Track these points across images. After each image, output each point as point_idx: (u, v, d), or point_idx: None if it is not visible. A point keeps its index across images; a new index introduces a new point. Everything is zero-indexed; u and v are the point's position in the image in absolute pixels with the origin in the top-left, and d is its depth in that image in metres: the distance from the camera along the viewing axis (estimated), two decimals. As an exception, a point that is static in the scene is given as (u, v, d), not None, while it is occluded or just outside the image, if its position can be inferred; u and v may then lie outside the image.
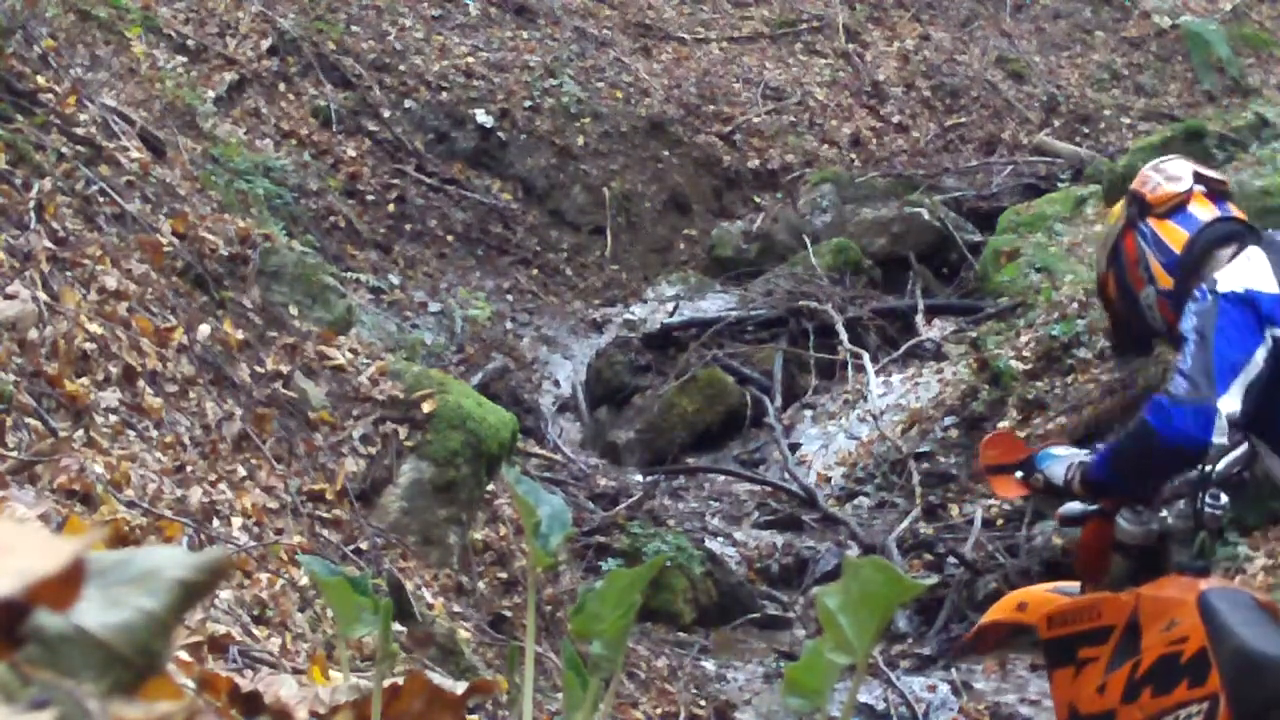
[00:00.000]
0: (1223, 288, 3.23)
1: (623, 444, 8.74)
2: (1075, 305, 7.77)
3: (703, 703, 5.86)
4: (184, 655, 1.88)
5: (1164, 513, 3.44)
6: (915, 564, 7.12)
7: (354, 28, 11.05)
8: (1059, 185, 11.08)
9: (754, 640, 6.75)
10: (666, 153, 11.43)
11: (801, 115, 12.26)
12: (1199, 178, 3.45)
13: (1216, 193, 3.48)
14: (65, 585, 0.68)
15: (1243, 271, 3.26)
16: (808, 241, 10.31)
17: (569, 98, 11.28)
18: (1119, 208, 3.56)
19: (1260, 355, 3.14)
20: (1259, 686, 3.03)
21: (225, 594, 3.31)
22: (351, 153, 10.15)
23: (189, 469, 3.95)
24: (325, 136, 10.08)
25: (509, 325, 9.81)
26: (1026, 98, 12.98)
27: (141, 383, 4.12)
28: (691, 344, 9.28)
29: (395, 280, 9.43)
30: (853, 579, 1.02)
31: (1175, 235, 3.40)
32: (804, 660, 1.06)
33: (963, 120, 12.59)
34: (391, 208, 10.09)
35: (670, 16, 12.88)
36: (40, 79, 5.13)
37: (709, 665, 6.41)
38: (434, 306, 9.42)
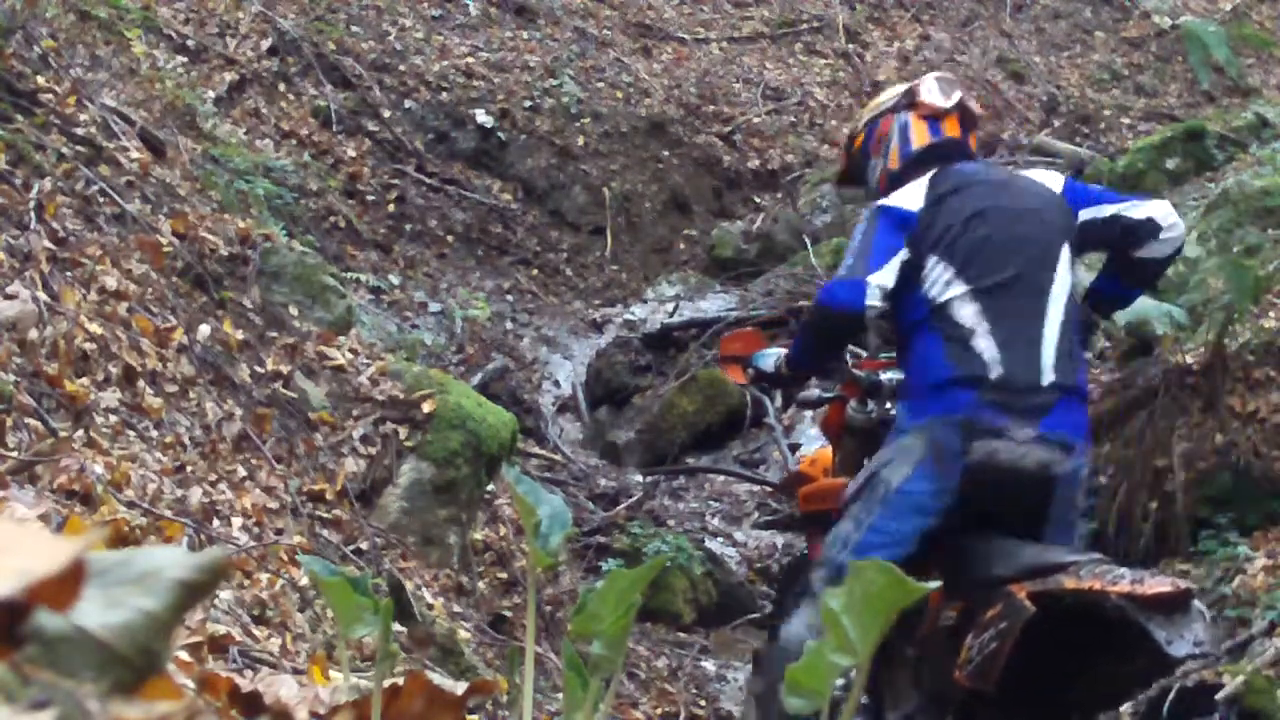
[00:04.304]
0: (882, 202, 3.98)
1: (623, 444, 8.73)
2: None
3: (702, 703, 5.86)
4: (184, 655, 1.88)
5: (887, 405, 4.21)
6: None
7: (354, 28, 11.05)
8: (1059, 185, 11.06)
9: (754, 640, 6.74)
10: (666, 153, 11.43)
11: (801, 115, 12.26)
12: (961, 105, 4.17)
13: (968, 120, 4.19)
14: (65, 585, 0.68)
15: (905, 194, 3.96)
16: (808, 241, 10.31)
17: (569, 98, 11.28)
18: (893, 92, 4.31)
19: (900, 259, 3.86)
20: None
21: (225, 594, 3.30)
22: (351, 153, 10.14)
23: (189, 469, 3.95)
24: (325, 136, 10.08)
25: (509, 325, 9.81)
26: (1026, 98, 12.98)
27: (141, 383, 4.12)
28: (691, 344, 9.28)
29: (395, 280, 9.43)
30: (855, 581, 1.02)
31: (920, 135, 4.14)
32: (805, 661, 1.06)
33: (963, 120, 12.59)
34: (391, 208, 10.09)
35: (670, 16, 12.88)
36: (40, 79, 5.13)
37: (709, 665, 6.41)
38: (434, 306, 9.42)
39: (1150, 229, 3.97)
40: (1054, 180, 4.13)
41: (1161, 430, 6.26)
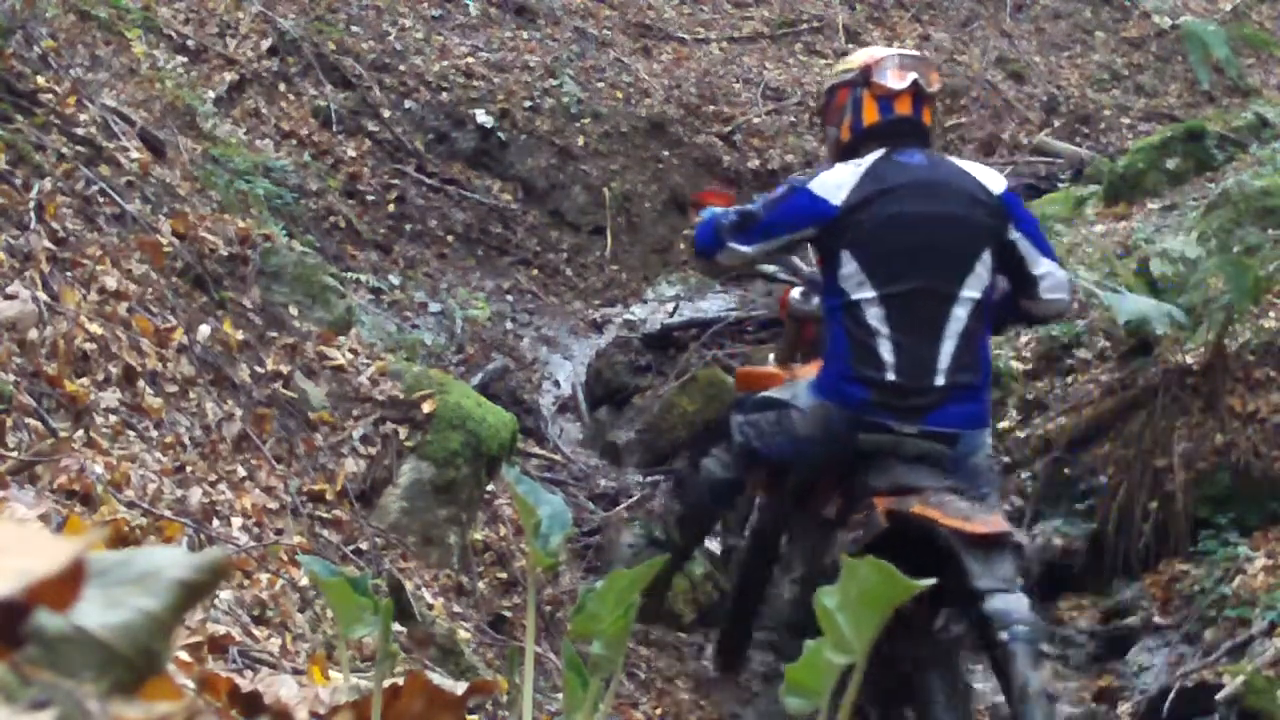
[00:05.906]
0: (810, 186, 4.27)
1: (623, 444, 8.73)
2: (1075, 305, 7.76)
3: (703, 703, 5.85)
4: (184, 655, 1.88)
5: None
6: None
7: (354, 28, 11.05)
8: (1059, 185, 11.07)
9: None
10: (666, 153, 11.42)
11: (801, 115, 12.26)
12: (916, 86, 4.36)
13: (921, 98, 4.38)
14: (65, 585, 0.68)
15: (835, 179, 4.25)
16: (808, 241, 10.31)
17: (569, 98, 11.28)
18: (855, 61, 4.51)
19: (792, 238, 4.32)
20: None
21: (225, 594, 3.30)
22: (351, 153, 10.14)
23: (189, 469, 3.94)
24: (325, 136, 10.07)
25: (509, 325, 9.80)
26: (1026, 98, 12.98)
27: (141, 383, 4.12)
28: (691, 344, 9.28)
29: (395, 280, 9.42)
30: (850, 578, 1.02)
31: (870, 113, 4.38)
32: (804, 660, 1.06)
33: (963, 120, 12.59)
34: (391, 208, 10.08)
35: (670, 16, 12.88)
36: (40, 79, 5.12)
37: (709, 665, 6.40)
38: (434, 306, 9.41)
39: (1034, 290, 4.38)
40: (995, 182, 4.40)
41: (1161, 430, 6.26)
